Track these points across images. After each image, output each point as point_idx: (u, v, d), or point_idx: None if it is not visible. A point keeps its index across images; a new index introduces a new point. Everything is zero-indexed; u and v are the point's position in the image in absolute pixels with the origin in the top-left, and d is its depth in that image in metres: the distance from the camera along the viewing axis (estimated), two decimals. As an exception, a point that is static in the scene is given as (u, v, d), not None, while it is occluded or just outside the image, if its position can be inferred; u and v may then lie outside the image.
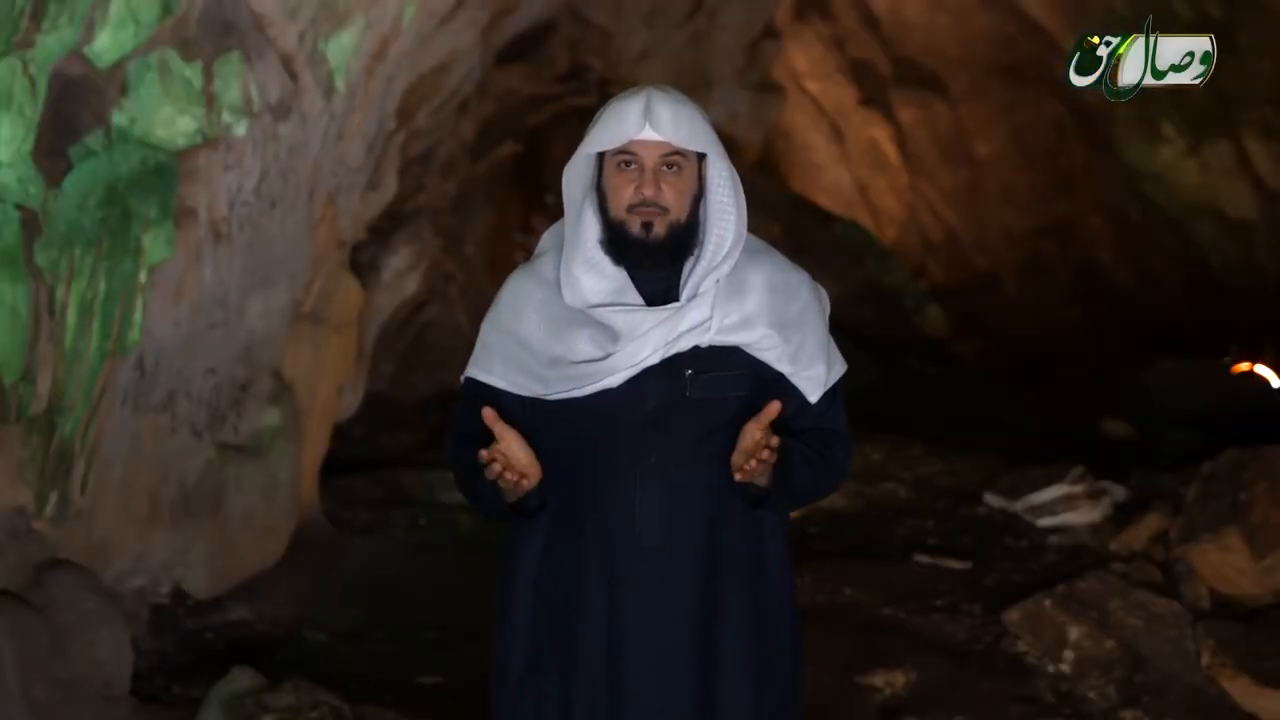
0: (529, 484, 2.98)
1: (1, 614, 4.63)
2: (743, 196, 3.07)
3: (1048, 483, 7.20)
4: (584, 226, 3.05)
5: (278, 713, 4.79)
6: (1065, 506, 7.07)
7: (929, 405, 9.94)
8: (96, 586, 5.16)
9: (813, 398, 3.08)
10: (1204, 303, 15.38)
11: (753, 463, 2.91)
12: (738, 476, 2.94)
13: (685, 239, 3.03)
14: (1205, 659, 5.56)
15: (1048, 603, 5.86)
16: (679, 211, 3.02)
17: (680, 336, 3.01)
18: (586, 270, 3.04)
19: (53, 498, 4.98)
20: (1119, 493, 7.15)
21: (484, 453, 2.95)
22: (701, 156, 3.05)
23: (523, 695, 3.09)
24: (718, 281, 3.03)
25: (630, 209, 3.00)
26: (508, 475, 2.95)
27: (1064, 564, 6.55)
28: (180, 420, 5.70)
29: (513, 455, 2.95)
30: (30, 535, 4.96)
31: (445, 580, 6.62)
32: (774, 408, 2.91)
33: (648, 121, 2.99)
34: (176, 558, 5.87)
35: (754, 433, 2.91)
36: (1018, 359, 15.24)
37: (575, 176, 3.07)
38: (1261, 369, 9.97)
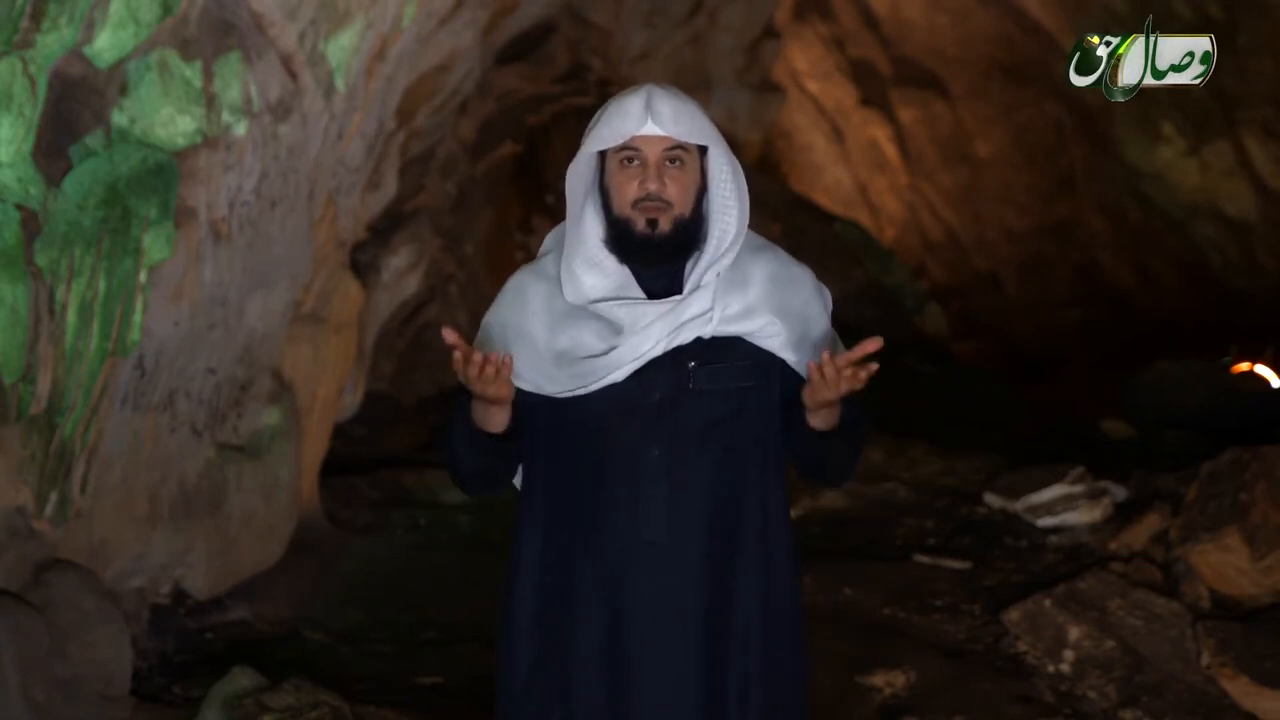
0: (507, 367, 2.89)
1: (1, 614, 4.63)
2: (745, 189, 3.07)
3: (1048, 483, 7.19)
4: (585, 226, 3.05)
5: (277, 713, 4.78)
6: (1065, 506, 7.06)
7: (929, 405, 9.93)
8: (96, 586, 5.16)
9: None
10: (1204, 303, 15.39)
11: (846, 373, 2.87)
12: (824, 375, 2.88)
13: (690, 234, 3.03)
14: (1205, 659, 5.56)
15: (1048, 603, 5.86)
16: (683, 206, 3.02)
17: (682, 327, 3.01)
18: (588, 268, 3.04)
19: (53, 497, 4.98)
20: (1119, 493, 7.14)
21: (456, 356, 2.89)
22: (703, 151, 3.05)
23: (528, 695, 3.09)
24: (718, 274, 3.03)
25: (635, 204, 3.00)
26: (481, 366, 2.88)
27: (1064, 564, 6.55)
28: (180, 420, 5.70)
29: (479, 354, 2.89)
30: (30, 535, 4.95)
31: (445, 580, 6.62)
32: (875, 342, 2.89)
33: (649, 117, 2.99)
34: (176, 558, 5.87)
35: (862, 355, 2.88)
36: (1018, 359, 15.25)
37: (578, 177, 3.07)
38: (1261, 369, 9.97)
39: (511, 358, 2.91)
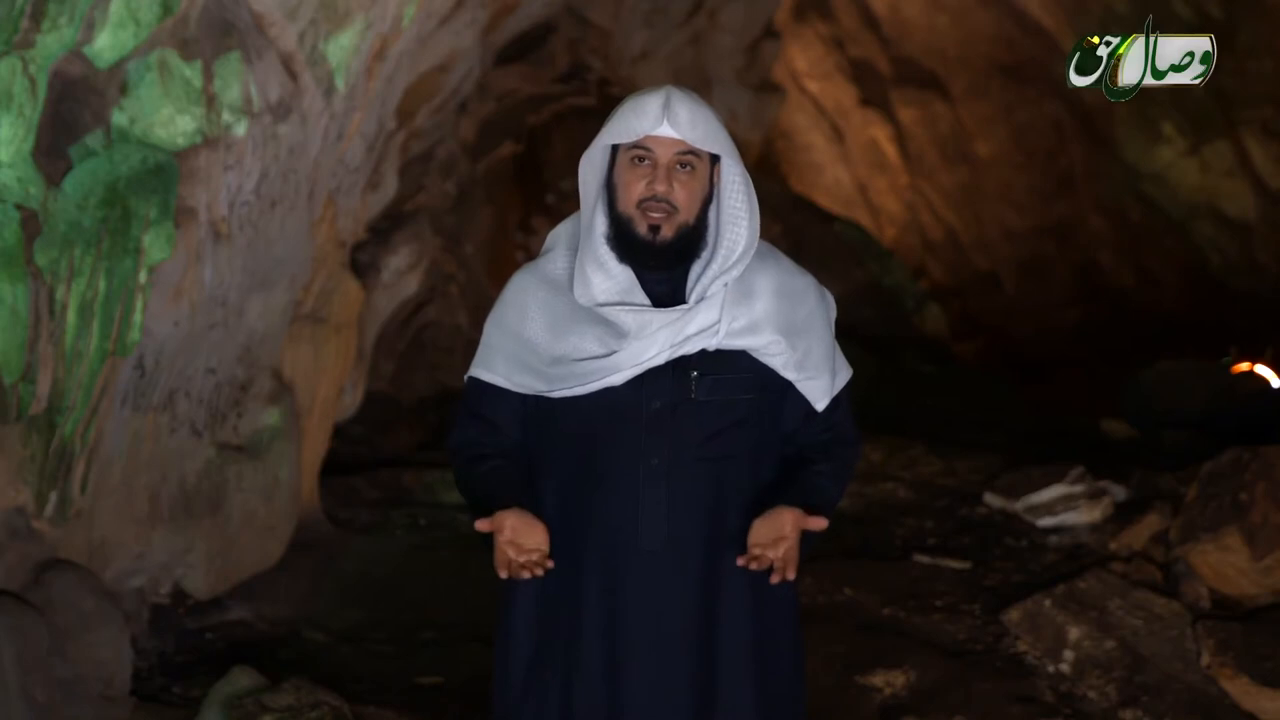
0: (548, 563, 2.97)
1: (1, 614, 4.63)
2: (756, 201, 3.07)
3: (1048, 483, 7.19)
4: (595, 222, 3.05)
5: (278, 713, 4.79)
6: (1065, 506, 7.06)
7: (929, 405, 9.93)
8: (96, 586, 5.16)
9: (819, 405, 3.09)
10: (1204, 303, 15.40)
11: (768, 555, 2.91)
12: (746, 563, 2.94)
13: (692, 242, 3.03)
14: (1205, 659, 5.56)
15: (1048, 603, 5.86)
16: (688, 213, 3.02)
17: (688, 339, 3.00)
18: (596, 269, 3.04)
19: (53, 497, 4.98)
20: (1119, 493, 7.14)
21: (502, 571, 2.98)
22: (714, 160, 3.05)
23: (525, 698, 3.09)
24: (726, 285, 3.03)
25: (640, 204, 3.00)
26: (527, 569, 2.96)
27: (1064, 564, 6.55)
28: (180, 420, 5.70)
29: (521, 542, 2.96)
30: (30, 535, 4.96)
31: (445, 580, 6.62)
32: (821, 524, 2.94)
33: (665, 118, 2.99)
34: (176, 558, 5.87)
35: (789, 526, 2.92)
36: (1017, 359, 15.26)
37: (591, 169, 3.08)
38: (1261, 369, 9.96)
39: (549, 566, 2.97)
